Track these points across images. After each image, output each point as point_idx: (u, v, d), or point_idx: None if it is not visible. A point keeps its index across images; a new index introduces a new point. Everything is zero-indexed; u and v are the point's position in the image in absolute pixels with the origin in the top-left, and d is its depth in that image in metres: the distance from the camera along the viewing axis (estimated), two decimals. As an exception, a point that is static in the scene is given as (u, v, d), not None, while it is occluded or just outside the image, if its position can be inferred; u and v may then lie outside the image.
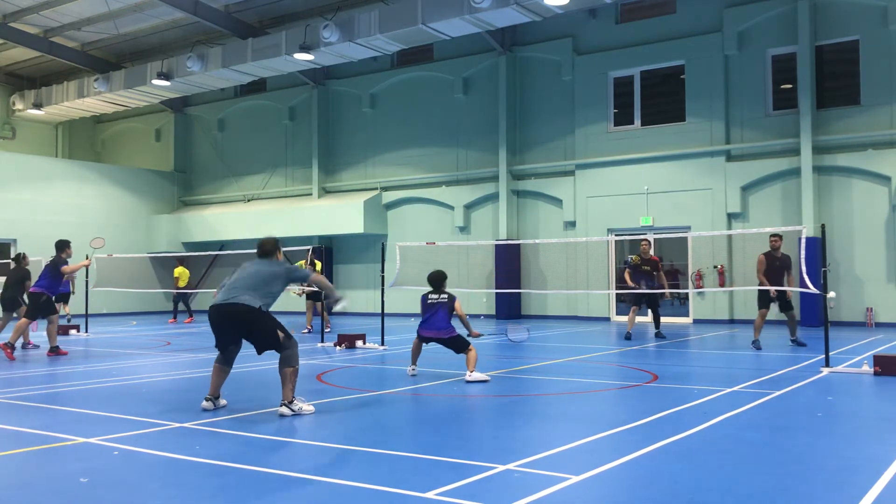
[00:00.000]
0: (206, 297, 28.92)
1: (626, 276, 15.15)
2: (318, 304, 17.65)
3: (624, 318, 14.91)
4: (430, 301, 10.05)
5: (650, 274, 14.87)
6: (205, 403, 7.43)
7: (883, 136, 17.95)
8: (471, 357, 9.49)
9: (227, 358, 7.63)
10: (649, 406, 7.54)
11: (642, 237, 20.29)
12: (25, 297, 13.82)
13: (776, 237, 13.00)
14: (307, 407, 7.18)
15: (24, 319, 13.06)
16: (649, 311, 15.76)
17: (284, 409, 7.07)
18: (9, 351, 12.30)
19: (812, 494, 4.56)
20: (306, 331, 17.81)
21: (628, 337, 14.69)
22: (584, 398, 8.25)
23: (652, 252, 15.26)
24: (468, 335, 9.93)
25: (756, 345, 12.87)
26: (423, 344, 10.08)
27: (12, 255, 14.31)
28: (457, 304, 9.96)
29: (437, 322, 9.88)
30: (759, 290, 13.04)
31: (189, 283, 24.05)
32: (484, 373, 9.63)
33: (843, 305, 18.01)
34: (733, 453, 5.54)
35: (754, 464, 5.19)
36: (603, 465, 5.12)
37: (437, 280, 10.23)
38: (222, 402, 7.57)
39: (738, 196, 19.40)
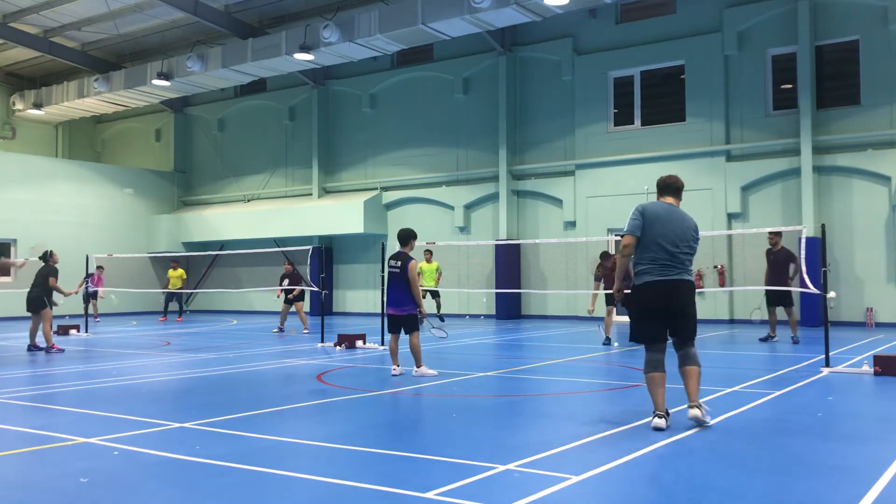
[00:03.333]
0: (206, 297, 28.94)
1: (595, 287, 14.59)
2: (299, 303, 18.07)
3: (620, 319, 14.39)
4: (389, 269, 9.56)
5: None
6: (659, 422, 6.19)
7: (883, 136, 17.94)
8: (416, 349, 9.41)
9: (662, 359, 6.37)
10: (649, 406, 7.53)
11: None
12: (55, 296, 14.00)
13: (773, 234, 13.60)
14: (709, 418, 6.32)
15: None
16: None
17: (697, 412, 6.17)
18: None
19: (812, 494, 4.56)
20: (276, 330, 17.90)
21: (607, 342, 13.81)
22: (584, 398, 8.25)
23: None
24: (416, 311, 9.44)
25: (769, 337, 13.87)
26: (398, 335, 9.71)
27: (38, 255, 14.42)
28: (409, 269, 9.33)
29: (394, 295, 9.48)
30: (767, 288, 13.61)
31: (184, 285, 24.18)
32: (435, 369, 9.76)
33: (843, 305, 18.00)
34: (733, 453, 5.54)
35: (754, 464, 5.19)
36: (603, 465, 5.12)
37: (400, 238, 9.67)
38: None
39: (738, 196, 19.39)
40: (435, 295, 19.91)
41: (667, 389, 6.41)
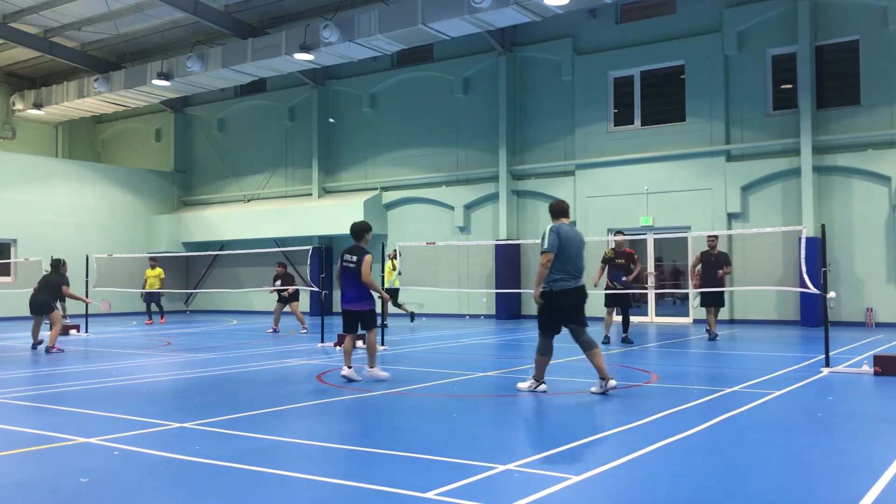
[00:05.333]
0: (206, 297, 28.93)
1: (598, 272, 14.14)
2: (294, 303, 18.00)
3: (619, 319, 14.33)
4: (343, 263, 9.13)
5: (625, 268, 13.93)
6: (545, 386, 8.23)
7: (883, 136, 17.94)
8: (371, 346, 9.16)
9: (552, 344, 8.35)
10: (649, 406, 7.54)
11: (642, 236, 20.36)
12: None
13: (712, 238, 14.50)
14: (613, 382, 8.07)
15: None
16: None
17: (614, 382, 8.10)
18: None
19: (812, 494, 4.56)
20: (271, 331, 17.89)
21: (606, 341, 13.88)
22: (584, 398, 8.24)
23: (627, 247, 14.35)
24: (378, 297, 9.21)
25: (711, 335, 14.55)
26: (355, 333, 9.32)
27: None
28: (364, 263, 8.95)
29: (351, 291, 9.10)
30: (701, 292, 14.56)
31: (166, 284, 22.86)
32: (388, 370, 9.57)
33: (843, 305, 18.00)
34: (733, 453, 5.54)
35: (754, 464, 5.19)
36: (603, 465, 5.12)
37: (353, 232, 9.29)
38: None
39: (738, 196, 19.39)
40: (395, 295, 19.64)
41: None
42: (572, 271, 8.04)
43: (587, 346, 8.18)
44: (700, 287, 14.28)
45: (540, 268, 7.98)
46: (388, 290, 19.21)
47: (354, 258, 9.13)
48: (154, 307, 22.20)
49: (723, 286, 14.36)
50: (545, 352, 8.28)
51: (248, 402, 7.88)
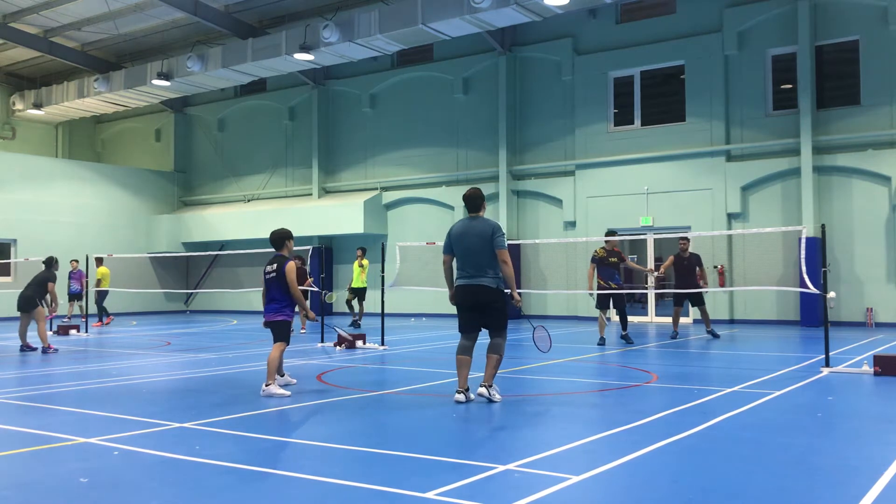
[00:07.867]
0: (206, 297, 28.92)
1: (591, 272, 13.76)
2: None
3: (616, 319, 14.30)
4: (265, 275, 8.55)
5: (616, 266, 13.67)
6: (459, 396, 7.65)
7: (883, 136, 17.94)
8: (273, 362, 8.35)
9: (469, 346, 7.84)
10: (649, 406, 7.54)
11: (642, 236, 20.37)
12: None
13: (683, 240, 14.91)
14: (497, 395, 7.68)
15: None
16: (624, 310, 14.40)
17: (484, 391, 7.59)
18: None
19: (812, 494, 4.56)
20: (304, 331, 17.87)
21: (602, 342, 13.74)
22: (584, 398, 8.24)
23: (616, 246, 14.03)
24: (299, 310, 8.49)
25: (673, 335, 15.00)
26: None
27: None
28: (287, 271, 8.30)
29: (269, 301, 8.50)
30: (675, 292, 15.14)
31: (111, 284, 21.83)
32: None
33: (843, 305, 18.00)
34: (733, 453, 5.54)
35: (754, 464, 5.19)
36: (603, 465, 5.12)
37: (274, 241, 8.69)
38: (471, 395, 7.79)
39: (738, 196, 19.39)
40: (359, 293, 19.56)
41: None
42: (464, 268, 7.72)
43: (489, 347, 7.68)
44: (676, 287, 15.08)
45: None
46: (356, 290, 19.31)
47: (274, 266, 8.51)
48: (106, 307, 21.50)
49: (699, 286, 14.95)
50: (458, 350, 7.75)
51: (248, 401, 7.88)
